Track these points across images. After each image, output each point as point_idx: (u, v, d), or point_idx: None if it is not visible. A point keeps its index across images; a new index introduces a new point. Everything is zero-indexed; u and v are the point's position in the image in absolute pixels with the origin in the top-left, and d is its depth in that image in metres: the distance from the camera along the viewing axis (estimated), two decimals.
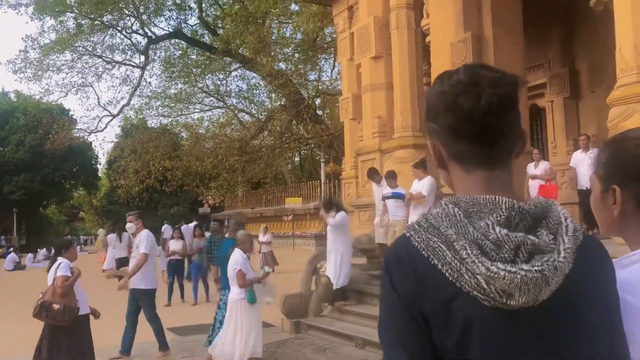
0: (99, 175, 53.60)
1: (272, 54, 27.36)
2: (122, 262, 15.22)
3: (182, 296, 12.55)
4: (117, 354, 7.45)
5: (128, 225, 8.14)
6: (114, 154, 43.98)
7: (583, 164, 9.59)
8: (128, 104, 34.39)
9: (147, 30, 33.06)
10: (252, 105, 34.38)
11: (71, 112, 44.97)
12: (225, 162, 28.26)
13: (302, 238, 24.35)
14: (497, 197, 0.99)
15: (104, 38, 32.33)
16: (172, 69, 32.75)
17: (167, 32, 33.50)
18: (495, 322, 0.96)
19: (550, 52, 13.62)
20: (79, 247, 40.32)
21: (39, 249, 31.80)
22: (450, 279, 0.96)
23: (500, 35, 10.33)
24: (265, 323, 8.04)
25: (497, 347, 0.96)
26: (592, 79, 12.85)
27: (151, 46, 33.68)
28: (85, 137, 36.19)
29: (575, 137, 12.41)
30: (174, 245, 12.89)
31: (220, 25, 32.20)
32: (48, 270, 6.09)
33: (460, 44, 10.42)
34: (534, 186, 9.80)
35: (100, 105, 34.52)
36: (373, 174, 9.77)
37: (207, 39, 33.40)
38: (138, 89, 33.91)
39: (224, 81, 33.34)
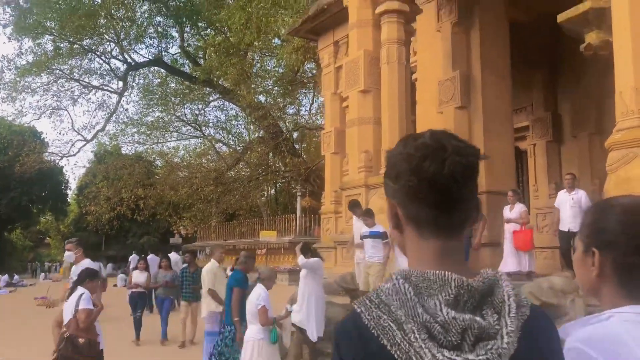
0: (69, 200, 52.32)
1: (253, 85, 27.27)
2: None
3: (137, 336, 11.19)
4: None
5: (66, 254, 7.19)
6: (86, 180, 43.08)
7: (566, 204, 9.34)
8: (103, 129, 33.89)
9: (127, 56, 32.84)
10: (230, 136, 34.19)
11: (43, 135, 43.92)
12: (200, 193, 27.78)
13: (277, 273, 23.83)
14: (446, 273, 0.99)
15: (82, 62, 32.02)
16: (151, 96, 32.45)
17: (147, 59, 33.32)
18: None
19: (534, 96, 13.73)
20: (42, 274, 38.98)
21: (0, 275, 30.56)
22: None
23: (488, 76, 10.33)
24: None
25: None
26: (574, 124, 12.94)
27: (130, 72, 33.40)
28: (57, 161, 35.44)
29: (557, 181, 12.41)
30: (138, 276, 12.08)
31: (201, 55, 32.15)
32: (67, 299, 5.62)
33: (449, 82, 10.38)
34: (508, 230, 9.49)
35: (74, 130, 33.96)
36: (354, 206, 9.37)
37: (187, 68, 33.25)
38: (114, 115, 33.48)
39: (203, 111, 33.17)
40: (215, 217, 29.04)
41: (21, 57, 31.53)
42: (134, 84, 34.03)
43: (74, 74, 31.77)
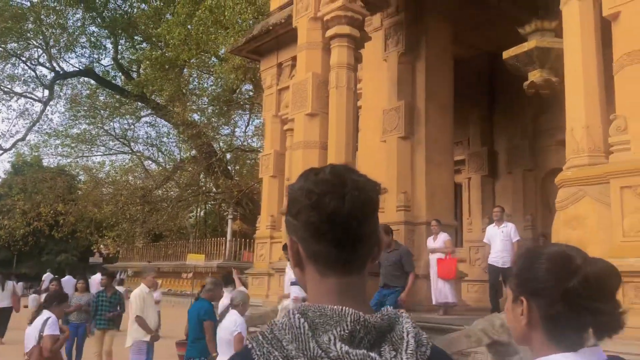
0: None
1: (188, 103, 26.63)
2: (4, 313, 13.30)
3: None
4: None
5: None
6: (0, 191, 40.45)
7: (496, 238, 9.24)
8: (23, 139, 32.12)
9: (55, 64, 31.38)
10: (160, 153, 33.18)
11: None
12: (126, 211, 26.59)
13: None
14: (344, 308, 0.96)
15: (5, 66, 30.26)
16: (78, 107, 31.10)
17: (77, 69, 31.97)
18: None
19: (471, 130, 13.99)
20: None
21: None
22: None
23: (432, 108, 10.39)
24: None
25: None
26: (509, 160, 13.24)
27: (57, 81, 31.90)
28: None
29: (491, 215, 12.59)
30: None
31: (135, 69, 31.21)
32: (30, 323, 4.94)
33: (393, 111, 10.36)
34: (432, 260, 9.33)
35: None
36: (285, 248, 8.89)
37: (119, 81, 32.15)
38: (37, 125, 31.76)
39: (133, 126, 32.08)
40: (141, 237, 27.81)
41: None
42: (61, 93, 32.58)
43: None
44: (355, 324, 0.95)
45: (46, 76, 32.26)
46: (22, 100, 38.08)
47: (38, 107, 32.52)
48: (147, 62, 24.58)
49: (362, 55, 9.47)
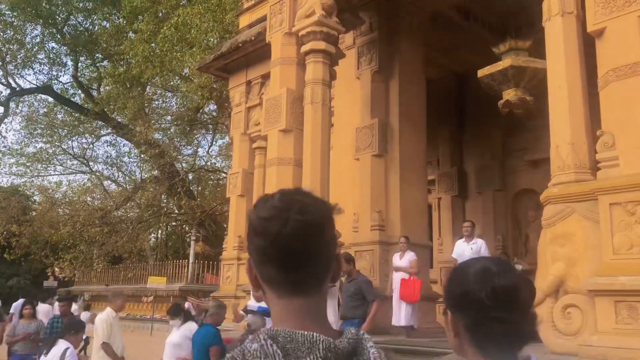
0: None
1: (152, 122, 26.06)
2: None
3: None
4: None
5: None
6: None
7: (465, 254, 8.74)
8: None
9: (11, 80, 30.36)
10: (120, 173, 32.31)
11: None
12: (84, 233, 25.64)
13: (162, 322, 22.17)
14: (315, 335, 0.98)
15: None
16: (35, 125, 30.10)
17: (35, 86, 30.97)
18: None
19: (440, 151, 14.01)
20: None
21: None
22: None
23: (406, 126, 10.30)
24: None
25: None
26: (479, 181, 13.27)
27: (13, 98, 30.84)
28: None
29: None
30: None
31: (95, 88, 30.46)
32: (46, 353, 4.46)
33: (366, 129, 10.23)
34: (396, 279, 8.86)
35: None
36: None
37: (78, 99, 31.28)
38: None
39: (92, 145, 31.20)
40: (99, 259, 26.83)
41: None
42: (17, 110, 31.48)
43: None
44: (327, 351, 0.96)
45: (1, 92, 31.25)
46: None
47: None
48: (110, 78, 23.98)
49: (336, 72, 9.34)
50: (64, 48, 30.22)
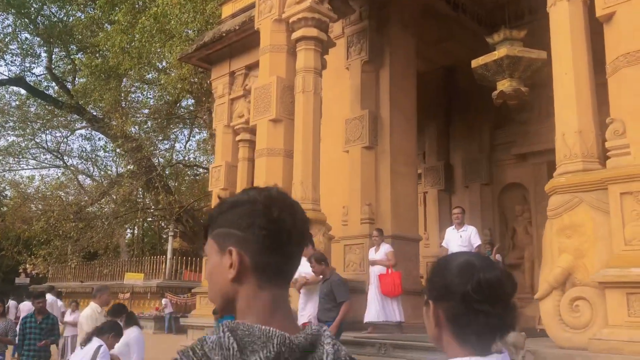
0: None
1: (129, 115, 25.45)
2: None
3: None
4: None
5: None
6: None
7: (454, 243, 8.44)
8: None
9: None
10: (95, 168, 31.59)
11: None
12: (58, 228, 24.95)
13: (141, 319, 21.74)
14: (271, 330, 0.99)
15: None
16: (6, 118, 29.22)
17: (7, 77, 30.05)
18: None
19: (427, 144, 13.85)
20: None
21: None
22: None
23: (397, 117, 10.10)
24: None
25: None
26: (466, 175, 13.14)
27: None
28: None
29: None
30: None
31: (69, 80, 29.68)
32: (82, 346, 4.33)
33: (356, 120, 10.00)
34: (373, 273, 8.48)
35: None
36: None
37: (52, 92, 30.44)
38: None
39: (66, 139, 30.43)
40: (74, 255, 26.15)
41: None
42: None
43: None
44: (280, 346, 0.97)
45: None
46: None
47: None
48: (87, 70, 23.30)
49: (326, 61, 9.08)
50: (37, 39, 29.38)
